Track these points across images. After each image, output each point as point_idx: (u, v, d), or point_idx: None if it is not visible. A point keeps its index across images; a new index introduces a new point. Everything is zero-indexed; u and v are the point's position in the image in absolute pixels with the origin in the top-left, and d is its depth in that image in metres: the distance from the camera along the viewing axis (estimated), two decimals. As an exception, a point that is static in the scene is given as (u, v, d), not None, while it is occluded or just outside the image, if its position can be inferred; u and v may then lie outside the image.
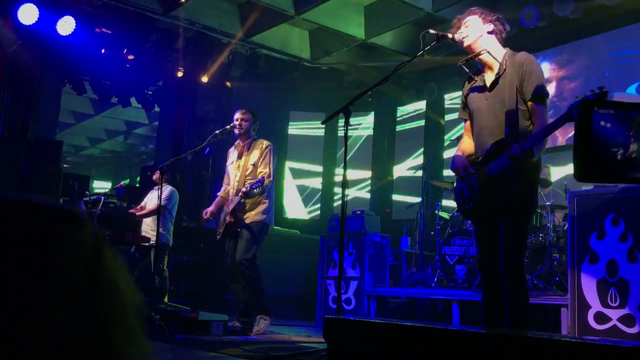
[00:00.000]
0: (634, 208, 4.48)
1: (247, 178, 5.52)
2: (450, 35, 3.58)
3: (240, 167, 5.66)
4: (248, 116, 5.70)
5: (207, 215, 5.73)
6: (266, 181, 5.42)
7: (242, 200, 5.46)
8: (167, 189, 7.02)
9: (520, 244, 3.39)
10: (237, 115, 5.73)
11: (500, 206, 3.37)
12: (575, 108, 2.95)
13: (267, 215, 5.62)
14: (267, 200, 5.62)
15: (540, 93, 3.33)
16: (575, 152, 0.91)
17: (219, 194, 5.96)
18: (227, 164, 5.92)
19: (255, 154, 5.62)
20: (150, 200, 7.27)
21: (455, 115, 9.46)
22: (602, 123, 0.90)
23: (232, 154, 5.87)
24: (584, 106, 0.91)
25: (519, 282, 3.35)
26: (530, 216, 3.55)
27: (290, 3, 8.57)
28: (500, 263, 3.38)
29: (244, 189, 5.34)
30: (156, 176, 7.15)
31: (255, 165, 5.57)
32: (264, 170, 5.50)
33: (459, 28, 3.57)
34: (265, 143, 5.71)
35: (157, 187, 7.18)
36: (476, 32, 3.51)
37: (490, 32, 3.53)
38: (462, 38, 3.52)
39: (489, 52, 3.49)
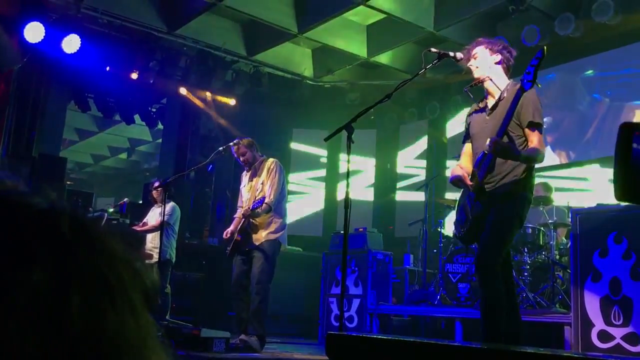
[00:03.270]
0: (637, 226, 4.48)
1: (257, 197, 5.56)
2: (451, 54, 3.70)
3: (252, 188, 5.73)
4: (243, 148, 5.75)
5: (228, 235, 5.73)
6: (267, 200, 5.47)
7: (246, 218, 5.50)
8: (168, 204, 7.01)
9: (495, 246, 3.50)
10: (234, 151, 5.79)
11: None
12: (526, 77, 3.27)
13: (280, 234, 5.63)
14: (279, 219, 5.65)
15: (535, 121, 3.54)
16: (615, 174, 0.95)
17: (235, 215, 5.98)
18: (241, 187, 5.98)
19: (264, 174, 5.70)
20: (152, 217, 7.27)
21: (457, 133, 9.50)
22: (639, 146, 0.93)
23: (245, 177, 5.94)
24: (624, 129, 0.95)
25: (489, 285, 3.42)
26: (513, 228, 3.65)
27: (293, 22, 8.65)
28: (475, 264, 3.59)
29: (246, 209, 5.46)
30: (156, 193, 7.16)
31: (264, 184, 5.64)
32: (267, 190, 5.56)
33: (468, 59, 3.76)
34: (271, 161, 5.77)
35: (156, 204, 7.20)
36: (485, 64, 3.70)
37: (497, 63, 3.72)
38: (473, 71, 3.72)
39: (492, 81, 3.69)
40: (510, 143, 3.44)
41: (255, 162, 5.80)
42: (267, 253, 5.51)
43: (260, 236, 5.55)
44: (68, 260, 0.55)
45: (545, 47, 3.31)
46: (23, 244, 0.54)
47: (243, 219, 5.50)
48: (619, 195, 0.93)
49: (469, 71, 3.77)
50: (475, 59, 3.72)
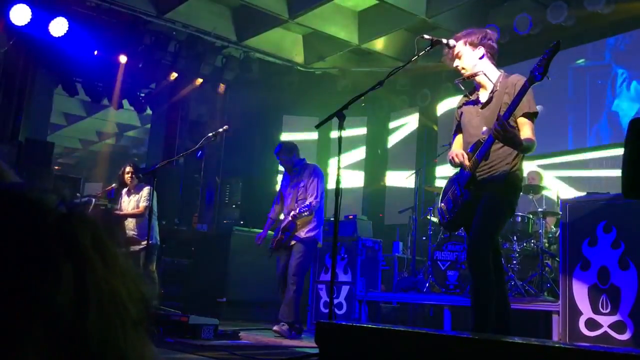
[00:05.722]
0: (626, 215, 4.50)
1: (298, 198, 6.02)
2: (444, 41, 3.66)
3: (293, 190, 6.11)
4: (283, 154, 6.15)
5: (260, 242, 6.24)
6: (313, 203, 5.93)
7: (294, 220, 5.92)
8: (146, 188, 6.92)
9: (487, 233, 3.51)
10: (276, 154, 6.24)
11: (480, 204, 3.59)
12: (537, 69, 3.21)
13: (316, 232, 6.07)
14: (316, 219, 6.08)
15: (529, 111, 3.51)
16: (624, 169, 0.91)
17: (269, 215, 6.42)
18: (282, 186, 6.37)
19: (305, 178, 6.08)
20: (129, 203, 7.12)
21: (447, 121, 9.49)
22: None
23: (286, 177, 6.31)
24: (634, 125, 0.91)
25: (480, 273, 3.43)
26: (504, 215, 3.66)
27: (284, 7, 8.57)
28: (467, 251, 3.58)
29: (294, 213, 5.85)
30: (129, 178, 7.06)
31: (305, 187, 6.03)
32: (312, 194, 5.98)
33: (452, 59, 3.73)
34: (312, 167, 6.23)
35: (127, 189, 7.13)
36: (470, 62, 3.67)
37: (481, 57, 3.67)
38: (460, 71, 3.69)
39: (485, 74, 3.66)
40: (513, 129, 3.40)
41: (296, 166, 6.16)
42: (305, 248, 5.96)
43: (301, 233, 5.97)
44: (88, 277, 0.54)
45: (559, 41, 3.23)
46: (48, 260, 0.53)
47: (289, 220, 5.90)
48: (628, 191, 0.91)
49: (457, 71, 3.74)
50: (459, 58, 3.68)
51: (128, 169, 7.11)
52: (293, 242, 6.01)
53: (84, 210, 0.59)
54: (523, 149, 3.48)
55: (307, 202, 5.90)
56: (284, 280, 6.02)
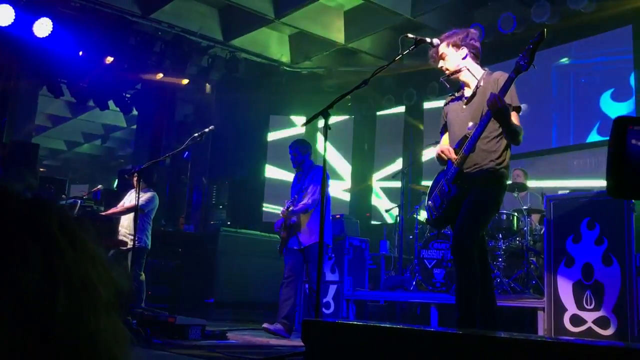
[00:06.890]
0: (609, 212, 4.55)
1: (296, 199, 5.99)
2: (428, 40, 3.69)
3: (296, 190, 6.10)
4: (296, 149, 6.15)
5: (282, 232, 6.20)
6: (303, 202, 5.90)
7: (282, 215, 5.96)
8: (148, 192, 6.95)
9: (471, 229, 3.53)
10: (290, 147, 6.23)
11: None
12: (523, 59, 3.30)
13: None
14: (317, 222, 6.02)
15: (514, 104, 3.54)
16: (608, 169, 0.91)
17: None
18: (291, 186, 6.34)
19: (307, 179, 6.05)
20: (129, 201, 7.18)
21: (433, 120, 9.53)
22: (634, 141, 0.90)
23: (295, 177, 6.32)
24: (618, 123, 0.92)
25: (465, 268, 3.47)
26: (489, 211, 3.69)
27: (270, 7, 8.57)
28: (451, 246, 3.62)
29: (284, 210, 5.91)
30: (137, 179, 7.10)
31: (306, 189, 5.97)
32: (310, 196, 5.92)
33: (436, 60, 3.79)
34: (315, 168, 6.15)
35: (134, 189, 7.15)
36: (454, 62, 3.73)
37: (464, 57, 3.73)
38: (445, 72, 3.76)
39: (468, 70, 3.71)
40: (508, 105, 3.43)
41: (304, 164, 6.12)
42: (316, 255, 5.79)
43: (310, 238, 5.89)
44: (57, 262, 0.55)
45: (545, 30, 3.31)
46: (15, 242, 0.53)
47: (284, 218, 5.91)
48: (613, 191, 0.91)
49: (441, 71, 3.80)
50: (443, 59, 3.74)
51: (137, 173, 7.17)
52: (302, 248, 5.95)
53: (49, 196, 0.59)
54: (513, 127, 3.47)
55: (301, 206, 5.85)
56: (289, 280, 6.00)
